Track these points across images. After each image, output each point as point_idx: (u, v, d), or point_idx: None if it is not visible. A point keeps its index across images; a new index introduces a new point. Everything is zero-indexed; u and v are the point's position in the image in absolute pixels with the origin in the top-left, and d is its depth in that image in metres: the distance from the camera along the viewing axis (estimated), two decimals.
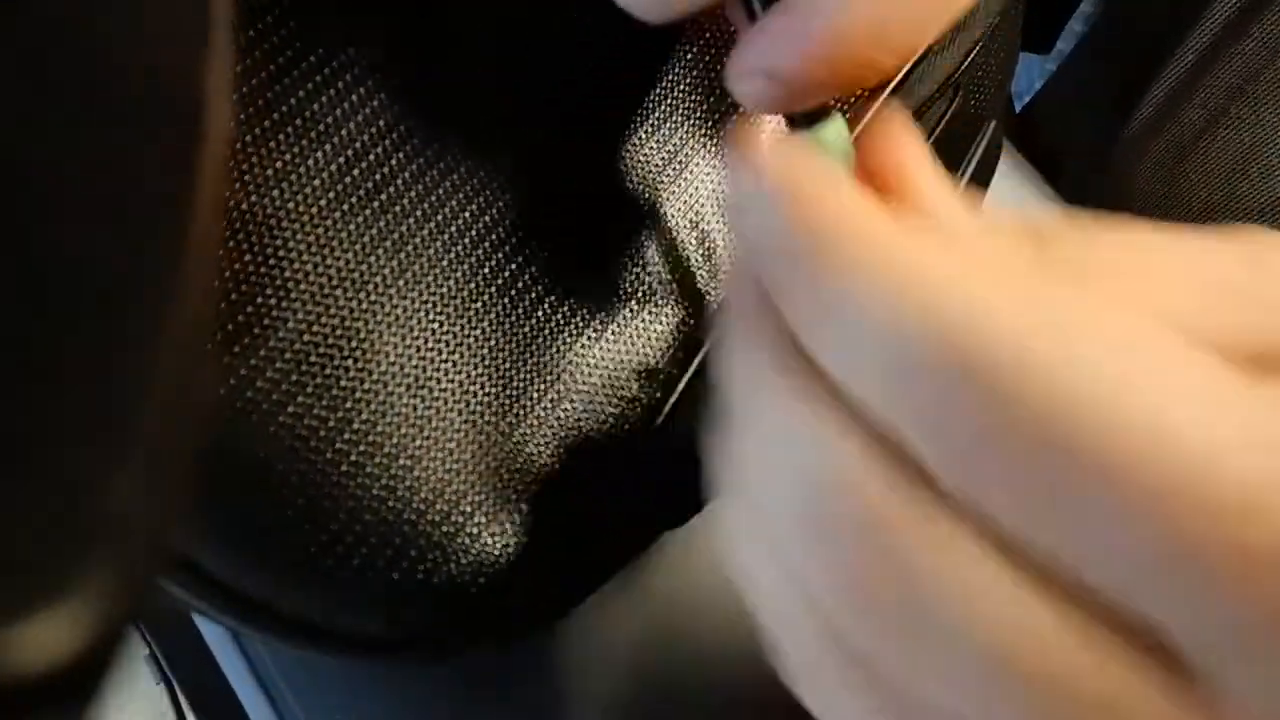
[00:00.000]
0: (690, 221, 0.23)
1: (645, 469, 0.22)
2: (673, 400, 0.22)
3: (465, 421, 0.20)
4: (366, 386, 0.19)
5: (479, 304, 0.20)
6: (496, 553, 0.20)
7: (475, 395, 0.20)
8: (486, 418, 0.20)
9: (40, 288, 0.07)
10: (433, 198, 0.20)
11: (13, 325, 0.07)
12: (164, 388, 0.07)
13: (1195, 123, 0.42)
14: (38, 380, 0.07)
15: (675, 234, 0.23)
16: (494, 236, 0.21)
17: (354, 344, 0.19)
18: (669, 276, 0.23)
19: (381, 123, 0.20)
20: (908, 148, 0.15)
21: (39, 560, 0.07)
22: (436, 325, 0.20)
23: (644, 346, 0.22)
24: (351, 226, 0.19)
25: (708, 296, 0.23)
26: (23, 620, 0.07)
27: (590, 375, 0.22)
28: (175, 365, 0.08)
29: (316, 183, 0.19)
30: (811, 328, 0.12)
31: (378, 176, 0.20)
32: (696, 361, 0.23)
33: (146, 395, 0.07)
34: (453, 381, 0.20)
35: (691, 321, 0.23)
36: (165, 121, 0.08)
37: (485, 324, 0.20)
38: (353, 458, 0.19)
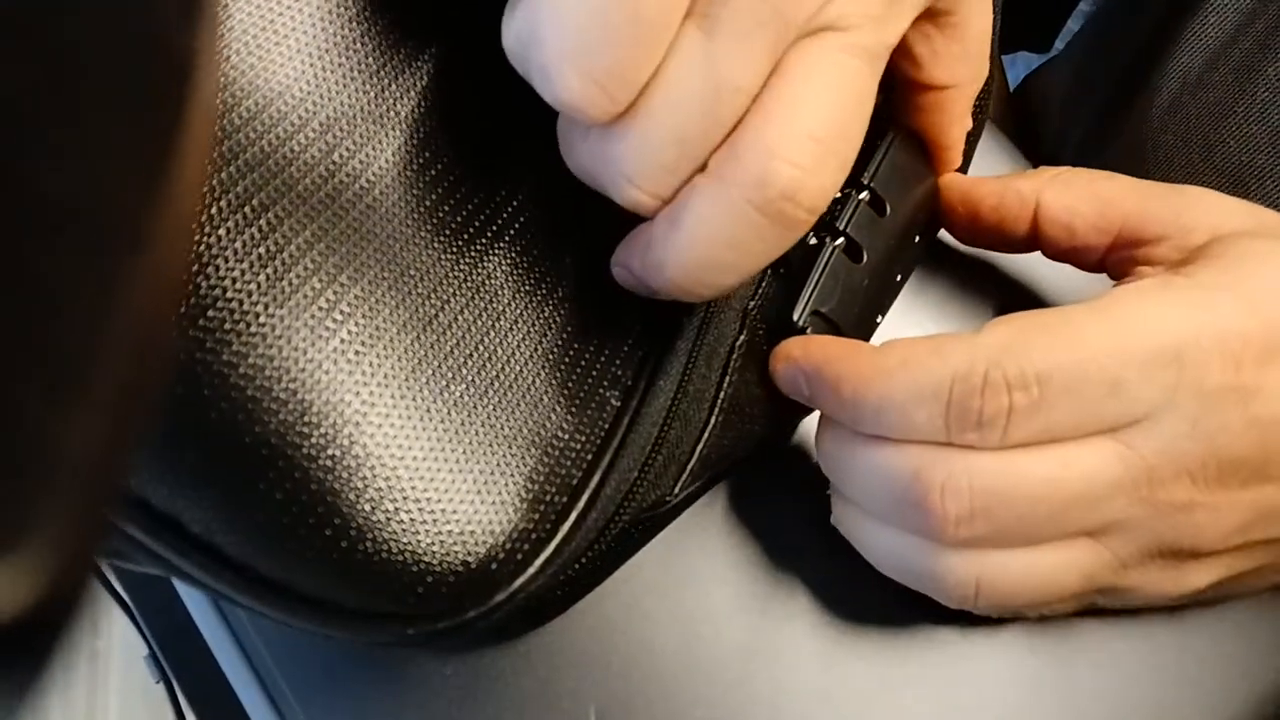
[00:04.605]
0: None
1: (619, 464, 0.22)
2: (635, 404, 0.22)
3: (449, 403, 0.20)
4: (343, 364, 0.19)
5: (453, 300, 0.21)
6: (480, 540, 0.20)
7: (461, 372, 0.21)
8: (472, 398, 0.21)
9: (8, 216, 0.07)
10: (402, 196, 0.21)
11: None
12: (128, 331, 0.07)
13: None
14: None
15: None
16: (467, 234, 0.21)
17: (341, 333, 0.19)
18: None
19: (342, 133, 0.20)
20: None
21: None
22: (406, 313, 0.20)
23: (608, 348, 0.23)
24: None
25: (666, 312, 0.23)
26: None
27: (565, 375, 0.22)
28: (141, 311, 0.07)
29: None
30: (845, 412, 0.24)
31: (361, 183, 0.20)
32: (648, 371, 0.23)
33: (109, 336, 0.07)
34: (429, 376, 0.20)
35: (657, 322, 0.23)
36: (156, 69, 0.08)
37: (455, 319, 0.21)
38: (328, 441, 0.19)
